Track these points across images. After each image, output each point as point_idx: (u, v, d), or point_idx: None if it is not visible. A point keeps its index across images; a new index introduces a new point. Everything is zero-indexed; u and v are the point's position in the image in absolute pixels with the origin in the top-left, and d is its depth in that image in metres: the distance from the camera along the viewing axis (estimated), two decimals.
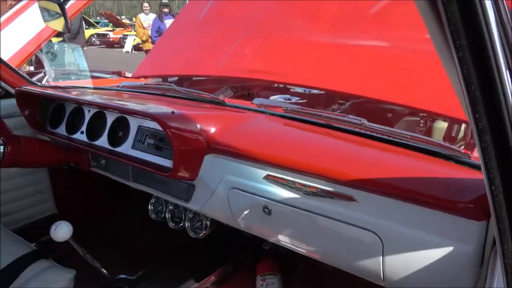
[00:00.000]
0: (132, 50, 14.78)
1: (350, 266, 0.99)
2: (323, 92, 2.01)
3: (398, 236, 0.87)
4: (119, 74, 4.51)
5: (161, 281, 1.64)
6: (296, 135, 1.16)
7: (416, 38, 1.73)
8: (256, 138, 1.14)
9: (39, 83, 1.97)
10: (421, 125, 2.10)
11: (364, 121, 1.01)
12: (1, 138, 1.36)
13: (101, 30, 18.97)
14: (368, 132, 1.07)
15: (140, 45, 14.47)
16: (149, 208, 1.56)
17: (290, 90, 2.12)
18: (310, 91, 2.06)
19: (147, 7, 7.84)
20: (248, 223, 1.17)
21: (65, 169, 1.85)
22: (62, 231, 1.27)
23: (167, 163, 1.27)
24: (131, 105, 1.38)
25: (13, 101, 1.80)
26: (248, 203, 1.11)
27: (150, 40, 7.19)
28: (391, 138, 1.01)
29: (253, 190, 1.08)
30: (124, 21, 22.36)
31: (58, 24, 1.20)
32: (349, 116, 1.04)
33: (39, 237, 1.67)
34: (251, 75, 1.75)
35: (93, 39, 17.96)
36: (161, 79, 2.32)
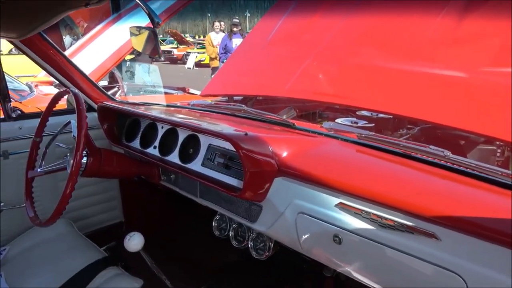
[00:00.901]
0: (193, 67, 15.46)
1: None
2: (390, 116, 1.96)
3: (486, 281, 0.80)
4: (183, 90, 4.74)
5: None
6: (372, 163, 1.12)
7: (490, 69, 1.65)
8: (329, 164, 1.13)
9: (117, 99, 2.11)
10: (498, 154, 1.97)
11: (448, 153, 0.96)
12: (86, 150, 1.47)
13: (167, 47, 20.07)
14: (449, 165, 1.01)
15: (202, 62, 15.11)
16: (213, 224, 1.58)
17: (356, 113, 2.08)
18: (377, 115, 2.01)
19: (218, 26, 8.17)
20: (315, 250, 1.14)
21: (135, 180, 1.95)
22: (135, 242, 1.33)
23: (235, 182, 1.29)
24: (204, 124, 1.43)
25: (93, 114, 1.95)
26: (317, 230, 1.08)
27: (218, 58, 7.49)
28: (477, 173, 0.94)
29: (324, 217, 1.06)
30: (187, 39, 23.51)
31: (149, 49, 1.28)
32: (431, 146, 0.99)
33: (107, 242, 1.77)
34: (318, 97, 1.74)
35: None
36: (226, 97, 2.40)
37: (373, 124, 1.86)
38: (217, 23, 8.24)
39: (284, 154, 1.15)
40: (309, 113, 2.46)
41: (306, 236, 1.12)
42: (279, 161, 1.14)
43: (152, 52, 1.29)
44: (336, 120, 1.84)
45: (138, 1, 1.06)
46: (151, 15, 1.05)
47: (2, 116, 1.86)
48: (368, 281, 1.03)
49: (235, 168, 1.31)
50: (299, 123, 1.46)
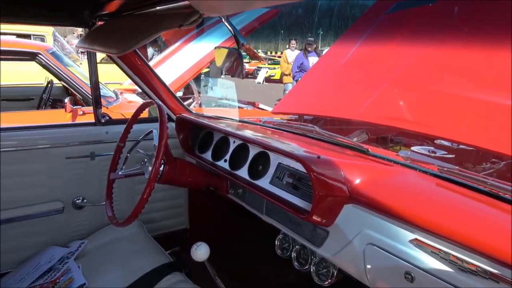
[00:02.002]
0: (263, 82, 15.77)
1: None
2: (473, 148, 1.82)
3: None
4: (253, 104, 4.84)
5: None
6: (454, 200, 1.05)
7: None
8: (406, 196, 1.07)
9: (193, 111, 2.22)
10: None
11: None
12: (164, 158, 1.56)
13: None
14: None
15: (272, 77, 15.34)
16: (276, 243, 1.58)
17: (434, 141, 1.97)
18: (458, 146, 1.87)
19: (294, 44, 8.33)
20: (383, 284, 1.08)
21: (203, 190, 2.01)
22: (201, 252, 1.37)
23: (303, 204, 1.28)
24: (275, 142, 1.44)
25: (171, 125, 2.06)
26: (387, 264, 1.03)
27: (291, 75, 7.61)
28: None
29: (395, 251, 1.00)
30: (259, 54, 24.08)
31: (234, 69, 1.34)
32: None
33: (170, 247, 1.83)
34: (394, 123, 1.68)
35: None
36: (297, 116, 2.40)
37: (453, 155, 1.74)
38: (293, 41, 8.37)
39: (357, 181, 1.12)
40: (380, 137, 2.37)
41: (374, 268, 1.08)
42: (351, 187, 1.12)
43: (237, 72, 1.34)
44: (412, 148, 1.75)
45: (225, 23, 1.11)
46: (236, 36, 1.10)
47: (93, 120, 2.05)
48: None
49: (304, 190, 1.30)
50: (374, 149, 1.42)
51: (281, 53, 9.13)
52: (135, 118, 1.71)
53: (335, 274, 1.33)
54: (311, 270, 1.41)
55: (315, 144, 1.54)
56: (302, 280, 1.57)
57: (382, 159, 1.32)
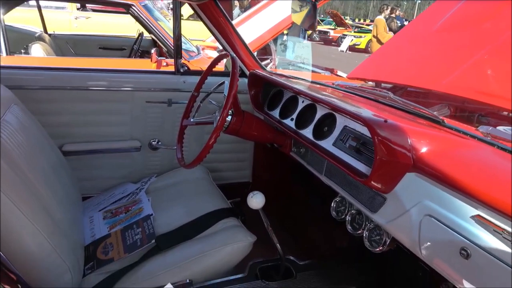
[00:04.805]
0: (346, 50, 15.12)
1: None
2: None
3: None
4: (331, 71, 4.72)
5: (323, 277, 1.67)
6: None
7: None
8: (476, 170, 1.00)
9: (266, 69, 2.23)
10: None
11: None
12: (232, 110, 1.61)
13: (324, 27, 20.03)
14: None
15: (357, 46, 14.61)
16: (332, 205, 1.58)
17: None
18: None
19: (388, 12, 7.81)
20: (435, 258, 1.04)
21: (267, 146, 2.06)
22: (257, 200, 1.43)
23: (363, 168, 1.26)
24: (344, 104, 1.41)
25: (244, 80, 2.11)
26: (443, 238, 0.99)
27: None
28: None
29: (454, 226, 0.95)
30: (347, 21, 22.95)
31: (307, 23, 1.31)
32: None
33: (231, 197, 1.93)
34: (486, 99, 1.52)
35: (314, 35, 19.15)
36: (374, 84, 2.29)
37: None
38: (386, 8, 7.84)
39: (424, 149, 1.06)
40: (465, 115, 2.18)
41: (429, 241, 1.04)
42: (416, 155, 1.06)
43: (309, 26, 1.31)
44: (498, 127, 1.59)
45: None
46: None
47: (173, 70, 2.18)
48: None
49: (367, 155, 1.27)
50: (450, 121, 1.32)
51: (371, 21, 8.56)
52: (210, 70, 1.77)
53: (387, 243, 1.31)
54: (364, 235, 1.40)
55: (387, 110, 1.48)
56: (352, 244, 1.57)
57: (458, 131, 1.23)
